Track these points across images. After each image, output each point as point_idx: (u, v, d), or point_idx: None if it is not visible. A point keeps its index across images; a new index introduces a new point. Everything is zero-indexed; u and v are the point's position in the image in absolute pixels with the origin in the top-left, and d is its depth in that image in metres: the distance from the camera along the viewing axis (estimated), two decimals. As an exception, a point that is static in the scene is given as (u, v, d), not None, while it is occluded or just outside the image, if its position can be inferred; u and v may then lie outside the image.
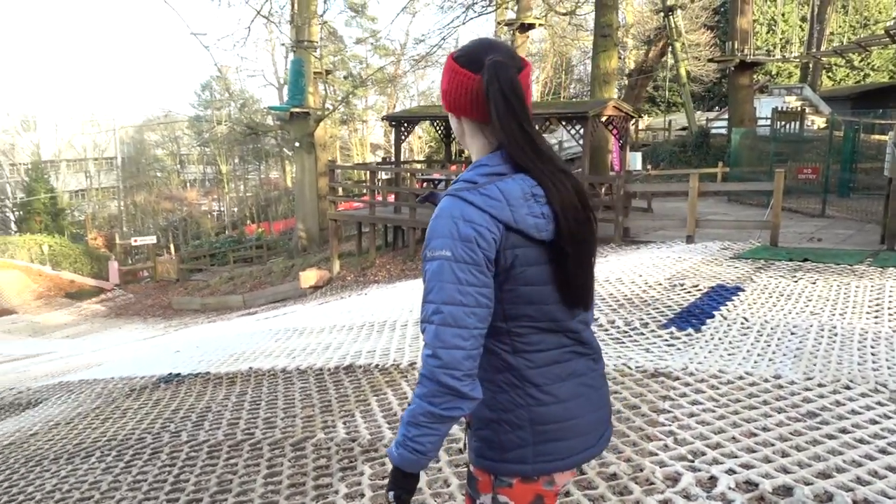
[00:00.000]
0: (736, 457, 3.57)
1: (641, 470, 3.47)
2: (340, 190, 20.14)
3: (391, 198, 18.18)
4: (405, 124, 19.08)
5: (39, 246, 31.07)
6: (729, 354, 5.48)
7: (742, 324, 6.35)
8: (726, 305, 6.96)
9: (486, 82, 1.50)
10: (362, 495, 3.48)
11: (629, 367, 5.22)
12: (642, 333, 6.28)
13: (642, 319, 6.67)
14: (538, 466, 1.55)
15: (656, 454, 3.66)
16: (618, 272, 8.97)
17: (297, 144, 25.21)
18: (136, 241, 32.65)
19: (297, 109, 24.57)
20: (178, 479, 4.04)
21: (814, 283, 7.83)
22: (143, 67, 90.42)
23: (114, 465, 4.49)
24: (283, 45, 35.95)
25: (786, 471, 3.39)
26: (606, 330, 6.47)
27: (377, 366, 6.11)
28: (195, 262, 29.94)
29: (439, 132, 18.61)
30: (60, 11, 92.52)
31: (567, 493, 3.29)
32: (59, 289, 29.19)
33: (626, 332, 6.37)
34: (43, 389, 8.63)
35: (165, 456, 4.51)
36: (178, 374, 7.25)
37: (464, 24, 30.43)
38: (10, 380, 11.00)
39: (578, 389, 1.59)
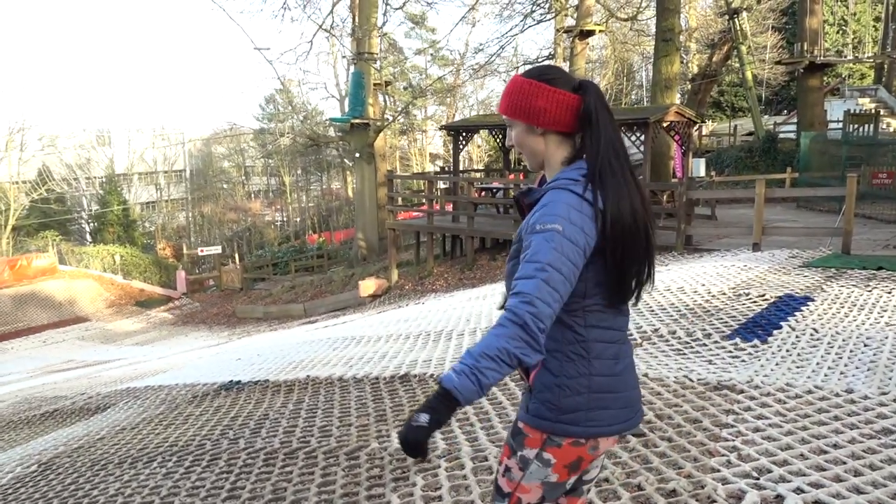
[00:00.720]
0: (804, 475, 3.40)
1: (703, 487, 3.34)
2: (399, 200, 20.27)
3: (449, 207, 18.21)
4: (464, 133, 19.12)
5: (112, 256, 32.29)
6: (797, 367, 5.24)
7: (812, 335, 6.08)
8: (795, 316, 6.69)
9: (590, 100, 1.76)
10: (414, 507, 3.45)
11: (690, 380, 5.05)
12: (705, 345, 6.08)
13: (705, 330, 6.46)
14: (588, 429, 1.76)
15: (719, 470, 3.51)
16: (679, 281, 8.74)
17: (357, 155, 25.54)
18: (202, 251, 33.61)
19: (358, 121, 24.90)
20: (234, 486, 4.09)
21: (889, 293, 7.46)
22: (210, 82, 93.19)
23: (174, 471, 4.58)
24: (344, 57, 36.56)
25: (859, 491, 3.20)
26: (667, 340, 6.29)
27: (432, 375, 6.08)
28: (258, 271, 30.61)
29: (498, 141, 18.56)
30: (132, 29, 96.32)
31: (624, 510, 3.19)
32: (130, 297, 30.23)
33: (688, 342, 6.18)
34: (111, 395, 8.92)
35: (223, 463, 4.58)
36: (238, 382, 7.38)
37: (522, 31, 30.42)
38: (82, 385, 11.42)
39: (626, 368, 1.85)
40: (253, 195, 56.43)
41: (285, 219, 53.26)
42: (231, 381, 7.52)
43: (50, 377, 14.87)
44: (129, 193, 49.80)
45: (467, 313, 9.21)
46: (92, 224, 45.21)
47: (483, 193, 18.11)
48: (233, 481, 4.18)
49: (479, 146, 43.31)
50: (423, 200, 20.81)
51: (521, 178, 18.51)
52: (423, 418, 1.58)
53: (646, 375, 5.23)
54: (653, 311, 7.35)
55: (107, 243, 36.67)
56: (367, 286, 18.31)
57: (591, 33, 27.53)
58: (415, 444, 1.59)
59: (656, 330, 6.60)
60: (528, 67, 1.90)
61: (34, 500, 4.56)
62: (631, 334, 6.56)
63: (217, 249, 33.40)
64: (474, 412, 4.78)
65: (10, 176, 41.21)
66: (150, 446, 5.39)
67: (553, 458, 1.78)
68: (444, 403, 1.59)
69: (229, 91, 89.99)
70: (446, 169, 27.14)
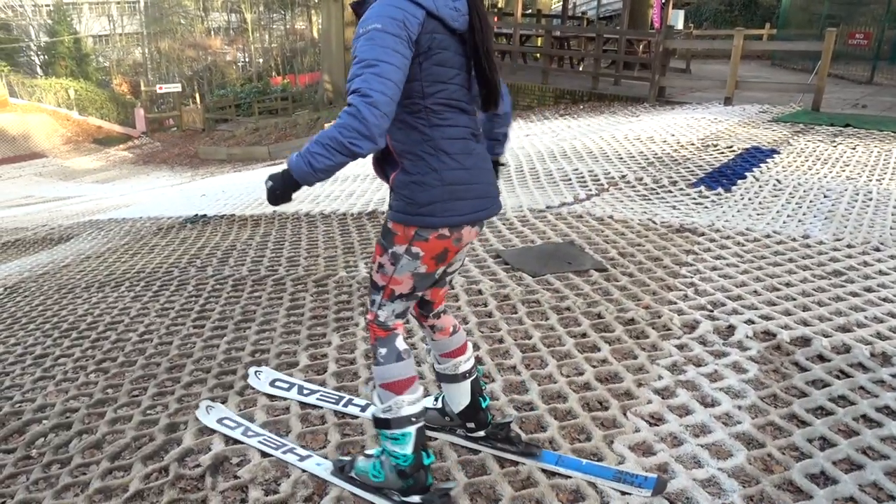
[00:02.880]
0: (756, 309, 3.56)
1: (659, 317, 3.49)
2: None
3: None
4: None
5: (66, 90, 30.90)
6: (758, 214, 5.37)
7: (774, 185, 6.19)
8: (759, 167, 6.77)
9: None
10: (382, 329, 3.54)
11: (654, 222, 5.15)
12: (670, 191, 6.16)
13: (671, 178, 6.53)
14: (446, 219, 1.90)
15: (676, 303, 3.66)
16: (649, 131, 8.72)
17: (323, -9, 24.17)
18: (161, 88, 32.30)
19: (324, -48, 23.35)
20: (203, 308, 4.15)
21: (853, 149, 7.56)
22: None
23: (142, 294, 4.62)
24: None
25: (805, 324, 3.38)
26: (633, 187, 6.35)
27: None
28: (221, 112, 29.69)
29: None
30: None
31: (584, 335, 3.33)
32: (87, 134, 29.28)
33: (654, 189, 6.25)
34: (74, 227, 8.83)
35: (192, 287, 4.62)
36: (204, 216, 7.33)
37: None
38: (42, 218, 11.27)
39: (477, 162, 1.99)
40: (213, 32, 53.63)
41: (247, 59, 51.03)
42: (196, 214, 7.46)
43: (9, 211, 14.62)
44: (80, 24, 46.88)
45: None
46: (42, 56, 42.79)
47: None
48: (202, 304, 4.24)
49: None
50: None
51: (496, 21, 17.82)
52: (268, 183, 1.86)
53: (611, 217, 5.31)
54: (621, 158, 7.37)
55: (59, 77, 34.94)
56: (334, 130, 17.92)
57: None
58: (270, 199, 1.87)
59: (623, 176, 6.64)
60: None
61: (2, 320, 4.60)
62: (597, 178, 6.59)
63: (177, 87, 32.10)
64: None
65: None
66: (117, 273, 5.40)
67: (421, 251, 1.95)
68: (283, 176, 1.82)
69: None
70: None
